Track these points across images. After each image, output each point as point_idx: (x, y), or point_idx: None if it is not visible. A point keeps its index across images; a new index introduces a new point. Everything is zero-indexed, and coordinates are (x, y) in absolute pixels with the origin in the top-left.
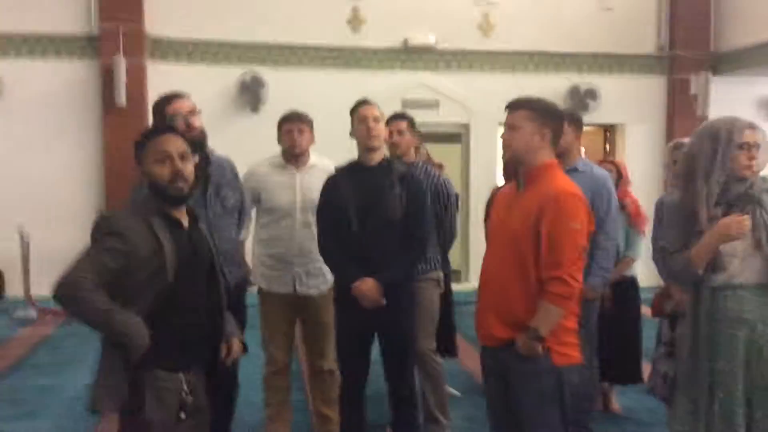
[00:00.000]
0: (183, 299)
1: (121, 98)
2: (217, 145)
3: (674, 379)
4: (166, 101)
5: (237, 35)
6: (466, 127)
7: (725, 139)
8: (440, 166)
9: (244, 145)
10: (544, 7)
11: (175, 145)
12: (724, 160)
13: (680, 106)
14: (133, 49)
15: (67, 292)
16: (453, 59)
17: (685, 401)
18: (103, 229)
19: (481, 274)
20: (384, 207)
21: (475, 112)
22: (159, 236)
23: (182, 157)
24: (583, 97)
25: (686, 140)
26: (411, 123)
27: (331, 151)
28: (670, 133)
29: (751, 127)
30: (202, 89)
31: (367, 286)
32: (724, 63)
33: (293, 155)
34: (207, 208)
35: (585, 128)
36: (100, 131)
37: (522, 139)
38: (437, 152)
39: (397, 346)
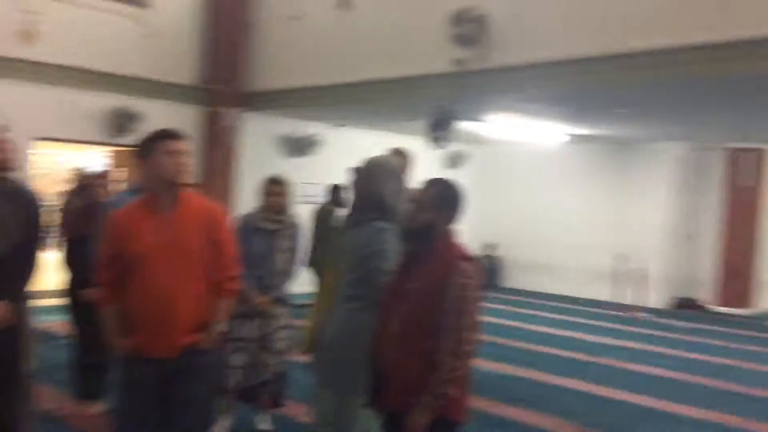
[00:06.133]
0: None
1: None
2: None
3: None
4: None
5: None
6: None
7: None
8: None
9: None
10: (91, 27)
11: None
12: None
13: (214, 136)
14: None
15: None
16: None
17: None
18: None
19: (151, 292)
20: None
21: (11, 123)
22: None
23: None
24: (128, 119)
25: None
26: None
27: None
28: (206, 161)
29: None
30: None
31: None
32: (254, 101)
33: None
34: None
35: (130, 148)
36: None
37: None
38: None
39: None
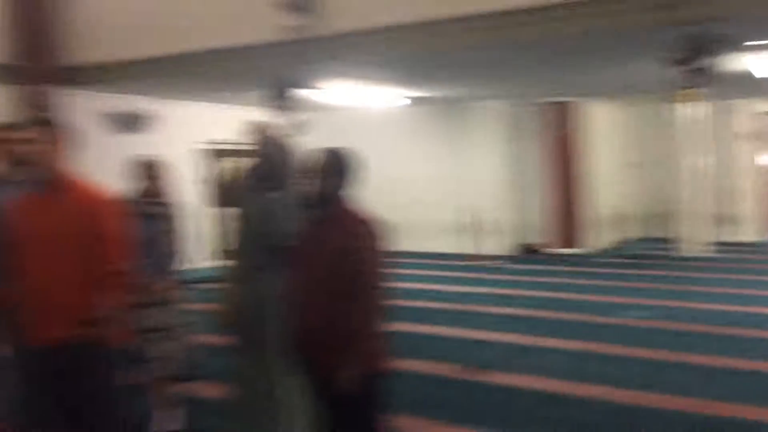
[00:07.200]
0: None
1: None
2: None
3: None
4: None
5: None
6: None
7: None
8: None
9: None
10: None
11: None
12: None
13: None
14: None
15: None
16: None
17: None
18: None
19: (26, 281)
20: None
21: None
22: None
23: None
24: None
25: None
26: None
27: None
28: None
29: None
30: None
31: None
32: (76, 77)
33: None
34: None
35: None
36: None
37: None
38: None
39: None
